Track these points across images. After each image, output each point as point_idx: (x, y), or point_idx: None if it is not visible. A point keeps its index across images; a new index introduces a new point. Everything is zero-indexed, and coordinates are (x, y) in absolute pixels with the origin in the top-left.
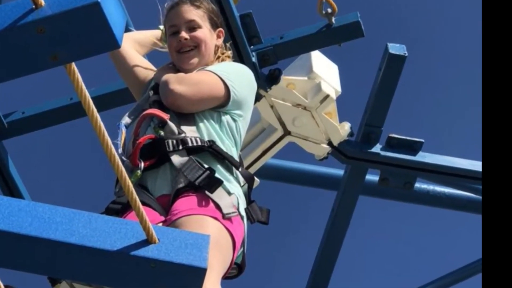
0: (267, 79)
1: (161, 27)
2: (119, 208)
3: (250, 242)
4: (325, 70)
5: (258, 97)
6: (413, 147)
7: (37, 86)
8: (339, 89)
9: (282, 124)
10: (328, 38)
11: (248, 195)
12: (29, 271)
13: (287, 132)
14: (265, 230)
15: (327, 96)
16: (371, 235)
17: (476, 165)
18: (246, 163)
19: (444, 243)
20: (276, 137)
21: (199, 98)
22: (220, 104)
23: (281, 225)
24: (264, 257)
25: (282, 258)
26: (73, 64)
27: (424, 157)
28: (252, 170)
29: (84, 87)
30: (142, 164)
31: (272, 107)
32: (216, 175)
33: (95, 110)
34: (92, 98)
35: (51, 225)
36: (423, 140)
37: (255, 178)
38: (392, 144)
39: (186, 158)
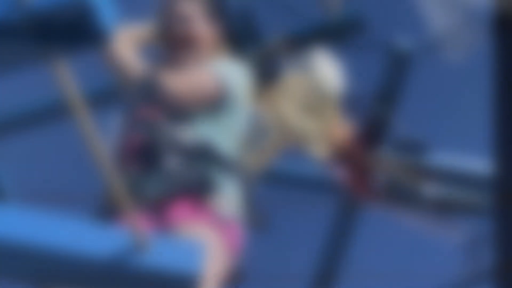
0: (266, 78)
1: (156, 22)
2: (110, 212)
3: (248, 248)
4: (326, 68)
5: (256, 96)
6: (420, 148)
7: (23, 83)
8: (341, 87)
9: (282, 124)
10: (329, 35)
11: (246, 199)
12: (12, 278)
13: (287, 133)
14: (264, 235)
15: (329, 95)
16: (375, 240)
17: (487, 167)
18: (244, 165)
19: (452, 248)
20: (275, 138)
21: (195, 97)
22: (217, 104)
23: (280, 230)
24: (263, 264)
25: (282, 266)
26: (61, 60)
27: (432, 158)
28: (251, 172)
29: (72, 84)
30: (135, 166)
31: (271, 106)
32: (213, 177)
33: (84, 108)
34: (82, 96)
35: (36, 230)
36: (430, 141)
37: (254, 181)
38: (397, 145)
39: (181, 160)
